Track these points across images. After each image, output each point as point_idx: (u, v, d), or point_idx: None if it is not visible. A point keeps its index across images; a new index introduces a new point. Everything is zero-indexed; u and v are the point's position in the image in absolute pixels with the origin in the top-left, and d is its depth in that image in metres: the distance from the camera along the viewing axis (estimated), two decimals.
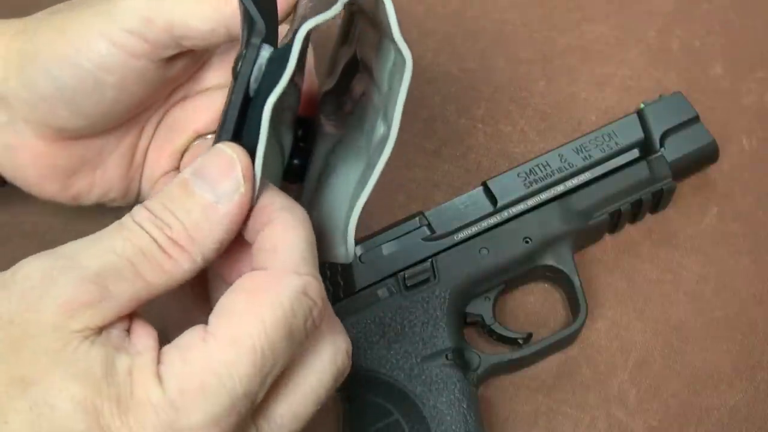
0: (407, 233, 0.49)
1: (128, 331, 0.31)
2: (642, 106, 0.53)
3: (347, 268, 0.48)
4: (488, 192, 0.50)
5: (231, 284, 0.32)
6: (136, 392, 0.29)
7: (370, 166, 0.36)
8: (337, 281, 0.48)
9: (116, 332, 0.30)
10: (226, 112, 0.33)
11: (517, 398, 0.49)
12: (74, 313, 0.29)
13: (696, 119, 0.52)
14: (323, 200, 0.38)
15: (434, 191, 0.55)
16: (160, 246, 0.31)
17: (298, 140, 0.42)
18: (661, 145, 0.51)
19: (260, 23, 0.33)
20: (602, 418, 0.48)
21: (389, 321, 0.47)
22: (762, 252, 0.53)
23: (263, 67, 0.32)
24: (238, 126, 0.33)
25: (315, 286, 0.32)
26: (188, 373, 0.29)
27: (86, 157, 0.46)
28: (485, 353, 0.48)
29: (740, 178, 0.55)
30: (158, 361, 0.30)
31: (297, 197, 0.35)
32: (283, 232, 0.32)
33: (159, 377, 0.29)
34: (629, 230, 0.53)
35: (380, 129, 0.36)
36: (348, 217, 0.36)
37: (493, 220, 0.50)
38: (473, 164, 0.56)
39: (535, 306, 0.52)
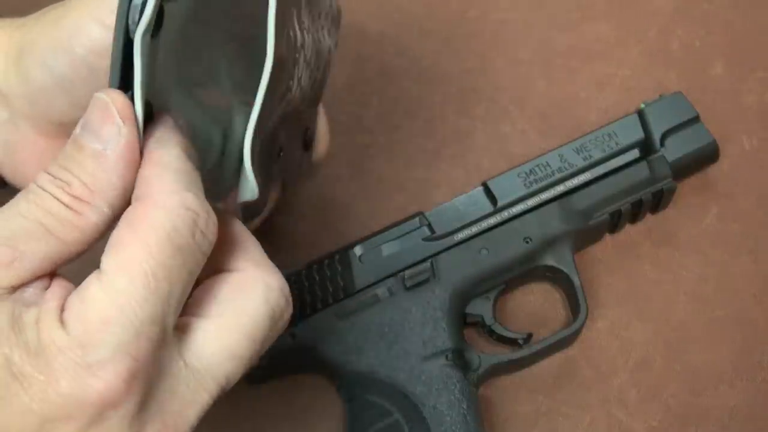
0: (407, 233, 0.49)
1: (47, 288, 0.31)
2: (642, 106, 0.53)
3: (347, 269, 0.48)
4: (488, 192, 0.50)
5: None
6: (42, 338, 0.29)
7: (252, 88, 0.36)
8: (337, 281, 0.48)
9: (31, 290, 0.31)
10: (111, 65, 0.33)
11: (517, 398, 0.49)
12: None
13: (696, 119, 0.52)
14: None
15: (434, 191, 0.55)
16: (63, 203, 0.31)
17: None
18: (662, 145, 0.51)
19: None
20: (602, 418, 0.48)
21: (389, 321, 0.47)
22: (762, 252, 0.53)
23: (139, 8, 0.32)
24: (124, 72, 0.33)
25: (192, 199, 0.32)
26: (87, 311, 0.30)
27: None
28: (485, 353, 0.48)
29: (740, 178, 0.55)
30: (62, 309, 0.30)
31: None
32: (155, 161, 0.33)
33: (62, 321, 0.30)
34: (629, 230, 0.53)
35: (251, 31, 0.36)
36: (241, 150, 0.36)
37: (493, 220, 0.50)
38: (473, 164, 0.56)
39: (535, 306, 0.52)
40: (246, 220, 0.40)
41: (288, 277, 0.38)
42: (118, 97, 0.32)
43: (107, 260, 0.31)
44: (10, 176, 0.46)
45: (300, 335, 0.47)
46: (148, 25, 0.32)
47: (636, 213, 0.52)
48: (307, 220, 0.55)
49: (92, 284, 0.30)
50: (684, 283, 0.52)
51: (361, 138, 0.57)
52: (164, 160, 0.33)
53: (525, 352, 0.48)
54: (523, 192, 0.50)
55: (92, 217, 0.32)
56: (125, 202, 0.33)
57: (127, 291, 0.30)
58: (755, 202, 0.54)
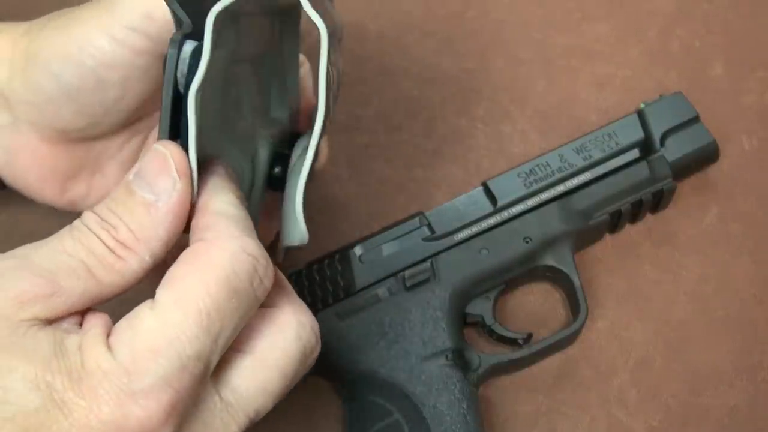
0: (407, 233, 0.49)
1: (80, 324, 0.32)
2: (642, 106, 0.53)
3: (347, 268, 0.48)
4: (488, 192, 0.50)
5: None
6: (87, 363, 0.29)
7: (307, 147, 0.37)
8: (337, 281, 0.48)
9: (66, 324, 0.31)
10: (161, 116, 0.34)
11: (517, 398, 0.49)
12: (24, 305, 0.30)
13: (696, 119, 0.52)
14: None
15: (434, 191, 0.55)
16: (108, 247, 0.32)
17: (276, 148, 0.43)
18: (662, 145, 0.51)
19: (187, 21, 0.33)
20: (602, 418, 0.48)
21: (389, 321, 0.47)
22: (762, 252, 0.53)
23: (188, 61, 0.33)
24: (173, 124, 0.33)
25: (253, 245, 0.33)
26: (137, 339, 0.30)
27: (86, 161, 0.46)
28: (485, 353, 0.48)
29: (740, 178, 0.55)
30: (108, 334, 0.31)
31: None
32: (214, 210, 0.33)
33: (109, 346, 0.30)
34: (629, 230, 0.53)
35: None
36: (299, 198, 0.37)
37: (493, 220, 0.50)
38: (473, 164, 0.56)
39: (535, 306, 0.52)
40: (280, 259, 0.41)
41: (288, 277, 0.38)
42: (176, 150, 0.33)
43: (163, 293, 0.31)
44: (10, 180, 0.46)
45: None
46: (201, 84, 0.32)
47: (636, 213, 0.52)
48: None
49: (144, 313, 0.31)
50: (684, 283, 0.52)
51: (361, 138, 0.57)
52: (221, 208, 0.33)
53: (525, 352, 0.48)
54: (523, 192, 0.50)
55: (133, 264, 0.32)
56: (166, 254, 0.33)
57: (179, 325, 0.30)
58: (755, 202, 0.54)
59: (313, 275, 0.49)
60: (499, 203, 0.50)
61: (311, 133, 0.36)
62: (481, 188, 0.51)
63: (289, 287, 0.36)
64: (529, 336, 0.49)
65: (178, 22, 0.34)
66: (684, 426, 0.48)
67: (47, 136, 0.44)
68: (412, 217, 0.50)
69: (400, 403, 0.46)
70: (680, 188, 0.53)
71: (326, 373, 0.49)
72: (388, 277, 0.48)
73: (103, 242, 0.32)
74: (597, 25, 0.61)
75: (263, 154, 0.40)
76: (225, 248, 0.32)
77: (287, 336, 0.34)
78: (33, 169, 0.45)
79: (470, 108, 0.58)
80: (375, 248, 0.49)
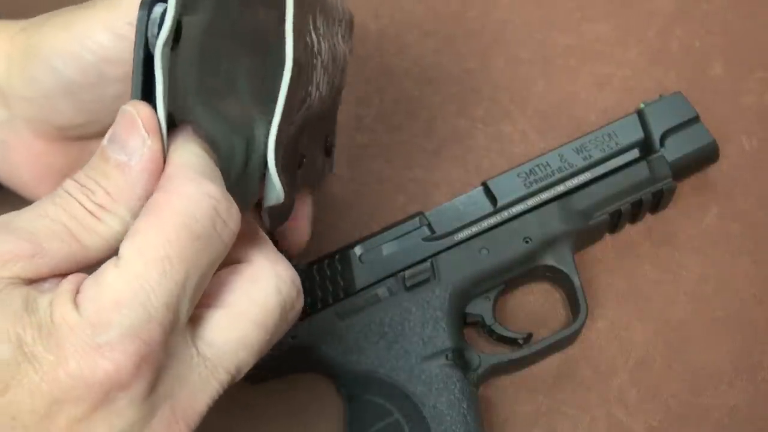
0: (407, 233, 0.49)
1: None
2: (642, 106, 0.53)
3: (347, 268, 0.48)
4: (488, 192, 0.50)
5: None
6: (55, 318, 0.30)
7: (270, 99, 0.37)
8: (337, 281, 0.48)
9: (47, 285, 0.31)
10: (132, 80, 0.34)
11: (517, 398, 0.49)
12: (5, 263, 0.30)
13: (696, 119, 0.52)
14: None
15: (434, 191, 0.55)
16: (87, 210, 0.32)
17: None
18: (661, 145, 0.51)
19: None
20: (602, 418, 0.48)
21: (389, 321, 0.47)
22: (762, 252, 0.53)
23: (157, 21, 0.33)
24: (145, 86, 0.33)
25: (212, 187, 0.32)
26: (101, 293, 0.30)
27: (82, 159, 0.45)
28: (485, 353, 0.48)
29: (740, 178, 0.55)
30: (77, 292, 0.31)
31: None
32: (176, 162, 0.33)
33: (76, 303, 0.30)
34: (629, 230, 0.53)
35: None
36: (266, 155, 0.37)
37: (493, 220, 0.50)
38: (473, 164, 0.56)
39: (535, 306, 0.52)
40: (274, 227, 0.41)
41: None
42: (143, 108, 0.33)
43: (125, 246, 0.31)
44: (5, 177, 0.46)
45: (300, 335, 0.47)
46: (167, 38, 0.32)
47: (636, 213, 0.52)
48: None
49: (108, 269, 0.31)
50: (684, 283, 0.52)
51: (361, 138, 0.57)
52: (184, 158, 0.33)
53: (525, 352, 0.48)
54: (523, 192, 0.50)
55: (114, 226, 0.32)
56: None
57: (142, 275, 0.30)
58: (755, 202, 0.54)
59: (313, 275, 0.49)
60: (499, 203, 0.50)
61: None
62: (481, 188, 0.51)
63: (267, 240, 0.36)
64: (529, 336, 0.49)
65: None
66: (684, 426, 0.48)
67: (43, 132, 0.44)
68: (412, 217, 0.50)
69: (400, 403, 0.46)
70: (680, 188, 0.53)
71: (326, 372, 0.49)
72: (388, 277, 0.48)
73: (83, 205, 0.32)
74: (597, 25, 0.61)
75: (260, 134, 0.40)
76: (182, 193, 0.32)
77: (264, 288, 0.34)
78: (28, 166, 0.45)
79: (470, 108, 0.58)
80: (375, 248, 0.49)
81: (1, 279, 0.30)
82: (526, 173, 0.51)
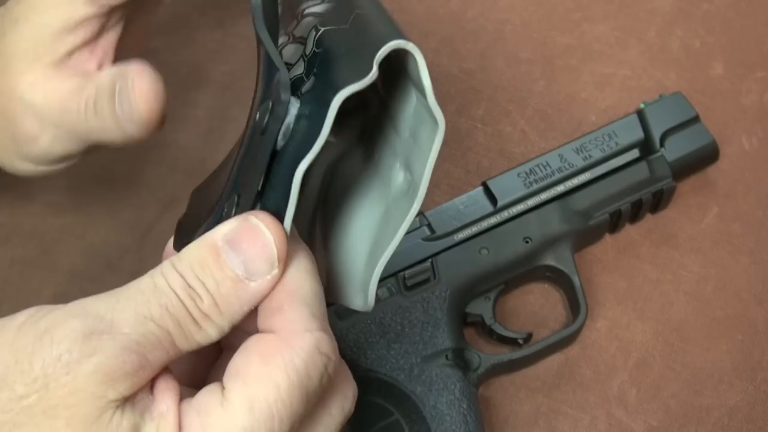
0: (407, 233, 0.49)
1: (151, 388, 0.31)
2: (642, 106, 0.53)
3: None
4: (488, 192, 0.50)
5: (243, 329, 0.32)
6: None
7: (390, 217, 0.35)
8: None
9: (141, 395, 0.30)
10: (242, 164, 0.32)
11: (517, 398, 0.49)
12: (114, 383, 0.29)
13: (696, 119, 0.52)
14: (337, 239, 0.37)
15: (434, 191, 0.55)
16: (193, 318, 0.31)
17: None
18: (661, 145, 0.51)
19: (284, 73, 0.31)
20: (602, 418, 0.48)
21: (389, 321, 0.47)
22: (762, 252, 0.53)
23: (291, 125, 0.31)
24: (262, 181, 0.32)
25: (326, 341, 0.31)
26: None
27: None
28: (485, 353, 0.48)
29: (740, 178, 0.55)
30: (180, 426, 0.30)
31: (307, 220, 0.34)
32: (289, 288, 0.32)
33: None
34: (629, 230, 0.53)
35: (399, 176, 0.34)
36: (368, 268, 0.35)
37: (493, 220, 0.50)
38: (473, 164, 0.56)
39: (535, 306, 0.52)
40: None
41: None
42: (279, 235, 0.31)
43: (234, 388, 0.30)
44: None
45: None
46: (313, 160, 0.30)
47: (636, 213, 0.52)
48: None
49: (215, 411, 0.30)
50: (684, 283, 0.52)
51: None
52: (301, 293, 0.32)
53: (525, 352, 0.48)
54: (523, 192, 0.50)
55: (212, 334, 0.31)
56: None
57: (251, 430, 0.29)
58: (755, 202, 0.54)
59: None
60: (499, 203, 0.50)
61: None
62: (481, 188, 0.51)
63: (342, 363, 0.34)
64: (529, 336, 0.49)
65: (268, 64, 0.32)
66: (684, 426, 0.48)
67: None
68: None
69: (400, 403, 0.46)
70: (680, 188, 0.53)
71: None
72: (388, 277, 0.48)
73: (189, 312, 0.30)
74: (597, 25, 0.61)
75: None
76: (300, 348, 0.30)
77: (332, 414, 0.33)
78: None
79: (470, 108, 0.58)
80: None
81: (110, 404, 0.29)
82: (526, 173, 0.51)
